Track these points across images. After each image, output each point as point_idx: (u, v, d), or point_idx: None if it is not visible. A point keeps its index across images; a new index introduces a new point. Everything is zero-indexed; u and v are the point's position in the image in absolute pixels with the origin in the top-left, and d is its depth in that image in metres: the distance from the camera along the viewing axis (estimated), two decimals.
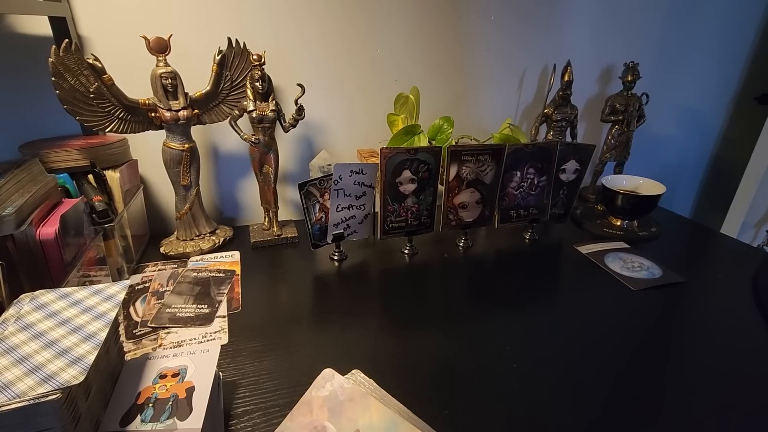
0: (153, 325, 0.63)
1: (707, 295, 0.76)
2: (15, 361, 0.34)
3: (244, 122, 0.80)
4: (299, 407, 0.31)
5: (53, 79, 0.61)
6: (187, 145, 0.78)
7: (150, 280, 0.74)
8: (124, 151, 0.80)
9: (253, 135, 0.80)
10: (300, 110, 0.80)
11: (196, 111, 0.78)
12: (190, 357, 0.46)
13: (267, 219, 0.91)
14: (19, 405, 0.30)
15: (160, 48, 0.71)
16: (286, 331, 0.63)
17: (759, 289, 0.76)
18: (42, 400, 0.31)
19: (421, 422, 0.25)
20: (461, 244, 0.90)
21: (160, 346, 0.59)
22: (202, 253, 0.84)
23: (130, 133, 0.74)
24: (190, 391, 0.42)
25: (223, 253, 0.84)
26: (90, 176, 0.72)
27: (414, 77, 0.99)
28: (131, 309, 0.67)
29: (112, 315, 0.41)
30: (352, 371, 0.31)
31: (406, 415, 0.25)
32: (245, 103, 0.78)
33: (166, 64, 0.72)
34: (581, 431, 0.48)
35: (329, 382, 0.30)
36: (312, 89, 0.83)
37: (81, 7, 0.75)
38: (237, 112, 0.79)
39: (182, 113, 0.75)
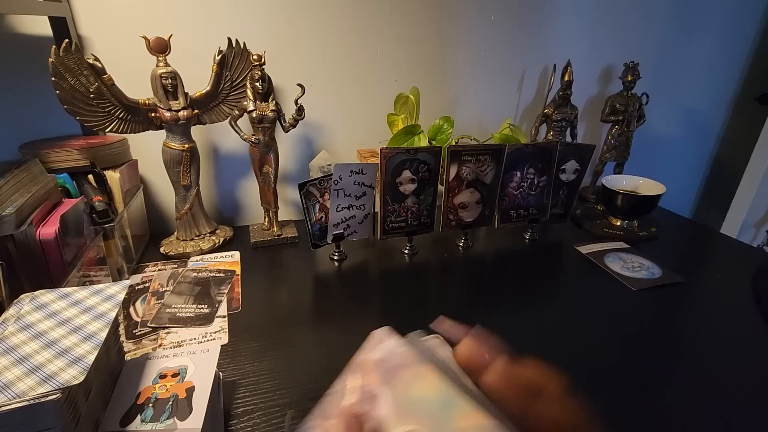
0: (153, 325, 0.63)
1: (707, 295, 0.76)
2: (15, 361, 0.34)
3: (244, 122, 0.80)
4: (350, 371, 0.28)
5: (53, 79, 0.61)
6: (187, 145, 0.78)
7: (150, 280, 0.74)
8: (124, 151, 0.80)
9: (253, 135, 0.80)
10: (300, 110, 0.80)
11: (196, 111, 0.78)
12: (190, 357, 0.46)
13: (267, 219, 0.91)
14: (19, 405, 0.30)
15: (160, 48, 0.71)
16: (286, 331, 0.63)
17: (759, 289, 0.76)
18: (42, 400, 0.31)
19: (475, 402, 0.22)
20: (461, 244, 0.90)
21: (160, 346, 0.59)
22: (202, 253, 0.84)
23: (130, 133, 0.74)
24: (190, 391, 0.42)
25: (223, 253, 0.84)
26: (90, 176, 0.72)
27: (414, 77, 0.99)
28: (131, 309, 0.67)
29: (112, 315, 0.41)
30: (410, 334, 0.28)
31: (460, 391, 0.22)
32: (245, 103, 0.78)
33: (166, 64, 0.72)
34: None
35: (381, 344, 0.27)
36: (312, 89, 0.83)
37: (81, 7, 0.75)
38: (237, 112, 0.79)
39: (182, 113, 0.75)
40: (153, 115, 0.74)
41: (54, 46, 0.60)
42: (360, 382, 0.26)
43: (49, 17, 0.71)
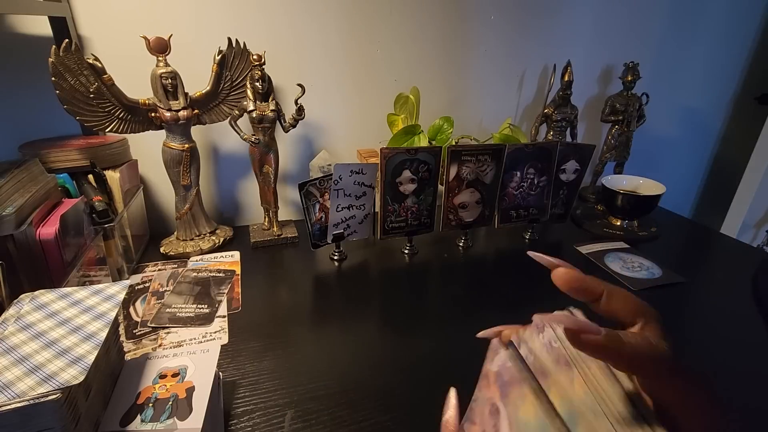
0: (153, 325, 0.63)
1: (707, 295, 0.76)
2: (15, 361, 0.34)
3: (244, 122, 0.80)
4: (482, 379, 0.27)
5: (53, 79, 0.62)
6: (187, 145, 0.78)
7: (150, 280, 0.74)
8: (124, 151, 0.80)
9: (253, 135, 0.80)
10: (300, 110, 0.80)
11: (196, 111, 0.78)
12: (190, 357, 0.46)
13: (267, 219, 0.91)
14: (19, 405, 0.30)
15: (160, 48, 0.71)
16: (286, 331, 0.63)
17: (758, 289, 0.76)
18: (42, 400, 0.31)
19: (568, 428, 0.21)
20: (461, 244, 0.90)
21: (160, 346, 0.59)
22: (202, 253, 0.84)
23: (130, 133, 0.74)
24: (190, 391, 0.42)
25: (223, 253, 0.84)
26: (90, 176, 0.72)
27: (414, 77, 0.99)
28: (131, 309, 0.67)
29: (112, 315, 0.41)
30: (535, 318, 0.26)
31: (555, 421, 0.21)
32: (245, 103, 0.78)
33: (166, 64, 0.72)
34: None
35: (497, 356, 0.26)
36: (312, 89, 0.83)
37: (81, 7, 0.75)
38: (237, 112, 0.79)
39: (182, 113, 0.75)
40: (153, 115, 0.74)
41: (54, 46, 0.60)
42: (489, 394, 0.26)
43: (49, 17, 0.71)
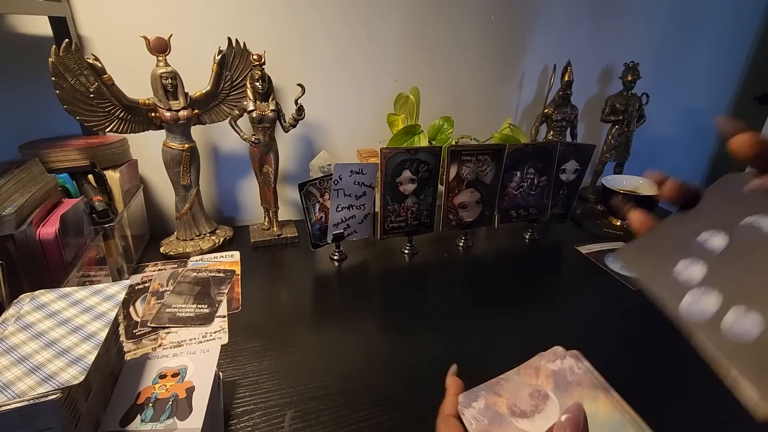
0: (153, 325, 0.63)
1: None
2: (15, 361, 0.34)
3: (244, 122, 0.80)
4: (526, 368, 0.31)
5: (53, 79, 0.61)
6: (187, 145, 0.78)
7: (150, 280, 0.74)
8: (124, 151, 0.80)
9: (253, 135, 0.80)
10: (300, 110, 0.80)
11: (196, 111, 0.78)
12: (190, 357, 0.46)
13: (267, 219, 0.91)
14: (19, 405, 0.30)
15: (160, 48, 0.71)
16: (286, 331, 0.63)
17: None
18: (42, 400, 0.31)
19: None
20: (461, 244, 0.90)
21: (160, 346, 0.59)
22: (202, 253, 0.84)
23: (130, 133, 0.74)
24: (190, 391, 0.42)
25: (223, 253, 0.84)
26: (90, 176, 0.72)
27: (414, 77, 0.99)
28: (131, 309, 0.67)
29: (112, 315, 0.41)
30: (576, 354, 0.31)
31: (636, 425, 0.24)
32: (245, 103, 0.78)
33: (166, 64, 0.72)
34: None
35: (560, 360, 0.30)
36: (312, 89, 0.83)
37: (81, 7, 0.75)
38: (237, 112, 0.79)
39: (182, 113, 0.75)
40: (153, 115, 0.74)
41: (54, 46, 0.60)
42: (535, 382, 0.29)
43: (49, 17, 0.71)
